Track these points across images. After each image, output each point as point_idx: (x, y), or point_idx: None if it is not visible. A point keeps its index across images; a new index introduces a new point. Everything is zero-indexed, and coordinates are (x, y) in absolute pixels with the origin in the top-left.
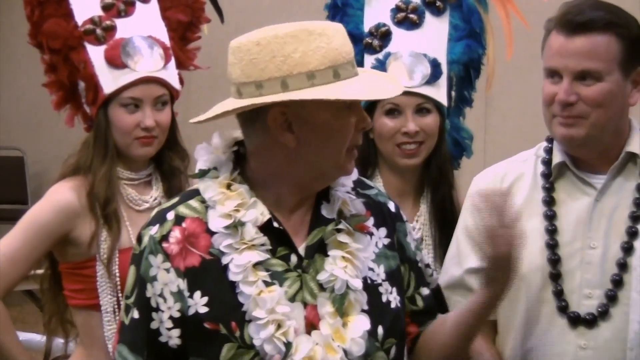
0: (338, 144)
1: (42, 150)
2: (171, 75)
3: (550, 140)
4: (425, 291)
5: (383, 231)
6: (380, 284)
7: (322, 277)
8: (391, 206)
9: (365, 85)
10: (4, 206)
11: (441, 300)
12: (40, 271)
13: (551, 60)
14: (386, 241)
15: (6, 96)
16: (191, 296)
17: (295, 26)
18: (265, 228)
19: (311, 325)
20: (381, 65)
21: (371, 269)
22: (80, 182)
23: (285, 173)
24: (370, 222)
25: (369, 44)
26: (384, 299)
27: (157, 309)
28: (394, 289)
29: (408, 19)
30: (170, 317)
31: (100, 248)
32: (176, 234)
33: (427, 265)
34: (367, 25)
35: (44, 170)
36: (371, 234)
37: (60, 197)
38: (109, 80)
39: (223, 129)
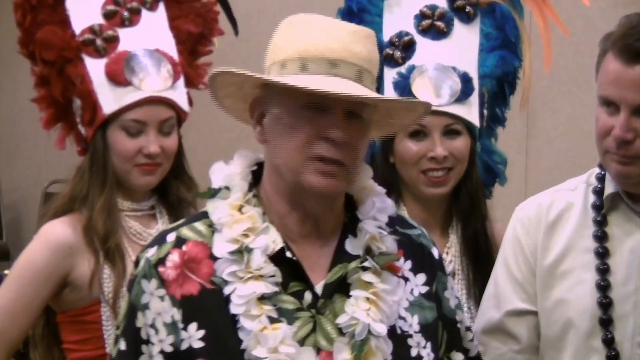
0: (288, 144)
1: (19, 177)
2: (179, 95)
3: (603, 166)
4: (458, 357)
5: (421, 278)
6: (410, 336)
7: (341, 320)
8: (434, 252)
9: (328, 83)
10: None
11: None
12: None
13: (607, 88)
14: (424, 289)
15: None
16: (185, 328)
17: (296, 16)
18: (278, 259)
19: None
20: (404, 80)
21: (402, 318)
22: (76, 218)
23: (273, 180)
24: (407, 265)
25: (390, 55)
26: (413, 352)
27: (148, 342)
28: (429, 344)
29: (434, 27)
30: (162, 352)
31: (103, 287)
32: (174, 257)
33: (468, 329)
34: (387, 34)
35: (20, 200)
36: (406, 279)
37: (53, 234)
38: (110, 99)
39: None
